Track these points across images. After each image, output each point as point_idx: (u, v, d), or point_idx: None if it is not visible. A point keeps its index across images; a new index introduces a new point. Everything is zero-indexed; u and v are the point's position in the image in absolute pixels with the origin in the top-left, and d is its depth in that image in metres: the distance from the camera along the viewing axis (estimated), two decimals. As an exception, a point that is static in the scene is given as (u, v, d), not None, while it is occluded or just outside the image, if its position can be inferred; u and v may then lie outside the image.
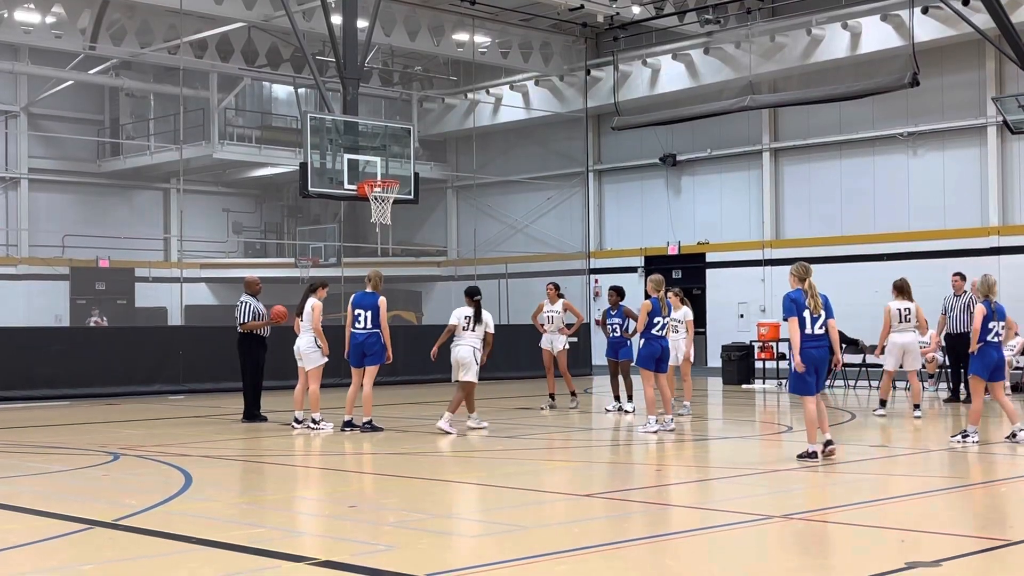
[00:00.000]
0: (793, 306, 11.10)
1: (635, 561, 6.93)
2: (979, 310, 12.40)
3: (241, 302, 15.60)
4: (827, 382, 22.64)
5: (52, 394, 20.12)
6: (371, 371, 14.35)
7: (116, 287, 33.79)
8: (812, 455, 11.01)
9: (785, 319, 11.23)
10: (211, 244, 36.60)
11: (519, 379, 25.31)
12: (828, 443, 11.20)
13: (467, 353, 13.89)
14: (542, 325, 17.72)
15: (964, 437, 12.43)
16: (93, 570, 6.73)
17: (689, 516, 8.64)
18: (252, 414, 15.73)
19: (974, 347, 12.38)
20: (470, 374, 13.91)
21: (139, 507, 8.59)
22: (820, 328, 11.09)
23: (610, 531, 7.96)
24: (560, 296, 17.70)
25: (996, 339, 12.38)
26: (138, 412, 17.93)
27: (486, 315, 14.02)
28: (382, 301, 14.29)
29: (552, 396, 17.76)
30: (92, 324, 29.84)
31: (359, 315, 14.27)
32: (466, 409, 14.28)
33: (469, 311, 14.00)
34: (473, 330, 13.94)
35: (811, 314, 11.06)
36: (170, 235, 35.28)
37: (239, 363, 15.80)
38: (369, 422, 14.29)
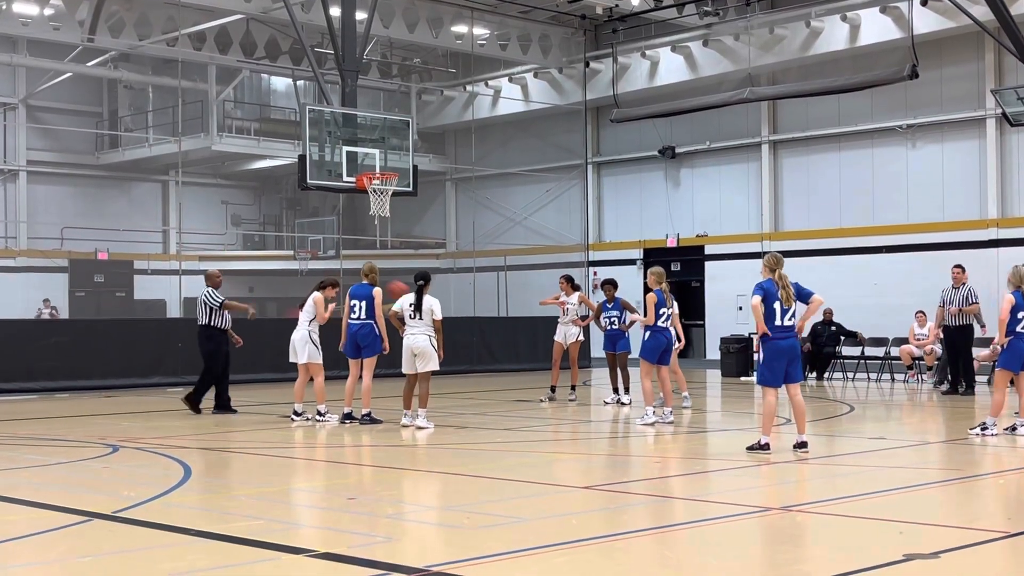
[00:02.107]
0: (762, 292, 10.97)
1: (634, 553, 6.94)
2: (1007, 300, 12.13)
3: (205, 301, 15.55)
4: (828, 374, 23.00)
5: (51, 386, 20.12)
6: (369, 363, 14.34)
7: (115, 279, 33.77)
8: (764, 447, 10.97)
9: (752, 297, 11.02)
10: (210, 236, 36.59)
11: (518, 371, 25.30)
12: (802, 444, 11.02)
13: (424, 342, 13.41)
14: (559, 302, 17.78)
15: (983, 430, 12.33)
16: (92, 562, 6.74)
17: (687, 508, 8.65)
18: (223, 404, 15.78)
19: (1002, 340, 12.16)
20: (432, 363, 13.50)
21: (138, 499, 8.60)
22: (790, 320, 10.97)
23: (609, 523, 7.96)
24: (576, 289, 17.91)
25: None
26: (137, 404, 17.94)
27: (428, 302, 13.43)
28: (376, 292, 14.26)
29: (553, 389, 17.79)
30: (46, 316, 29.70)
31: (354, 306, 14.28)
32: (403, 405, 13.89)
33: (413, 298, 13.56)
34: (421, 317, 13.42)
35: (782, 305, 10.91)
36: (169, 227, 35.30)
37: (206, 356, 15.73)
38: (368, 414, 14.29)
